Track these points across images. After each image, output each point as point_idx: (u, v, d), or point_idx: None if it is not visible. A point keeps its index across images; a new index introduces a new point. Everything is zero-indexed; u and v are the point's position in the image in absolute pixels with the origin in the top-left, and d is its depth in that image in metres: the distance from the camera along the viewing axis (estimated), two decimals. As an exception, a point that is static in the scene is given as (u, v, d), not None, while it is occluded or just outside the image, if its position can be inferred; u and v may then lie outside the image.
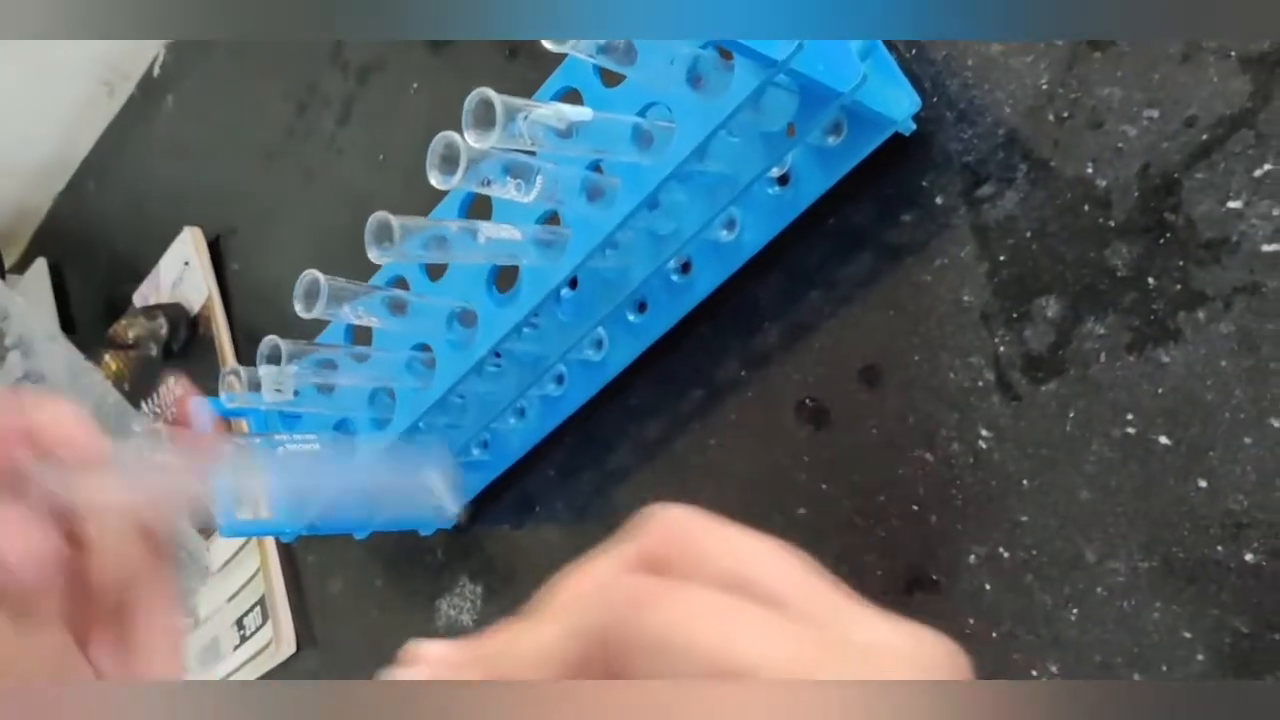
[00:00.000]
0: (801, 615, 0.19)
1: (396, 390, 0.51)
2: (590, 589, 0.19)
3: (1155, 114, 0.40)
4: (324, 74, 0.78)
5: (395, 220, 0.40)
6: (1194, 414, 0.39)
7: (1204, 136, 0.39)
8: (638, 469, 0.56)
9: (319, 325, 0.57)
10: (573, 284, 0.52)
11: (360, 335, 0.55)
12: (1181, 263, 0.40)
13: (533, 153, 0.40)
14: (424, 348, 0.51)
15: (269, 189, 0.81)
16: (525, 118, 0.37)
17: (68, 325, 0.99)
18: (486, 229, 0.43)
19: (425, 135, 0.39)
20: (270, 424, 0.54)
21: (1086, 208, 0.42)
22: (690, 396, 0.54)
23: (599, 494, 0.57)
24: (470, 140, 0.37)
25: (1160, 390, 0.40)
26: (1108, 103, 0.42)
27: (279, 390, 0.48)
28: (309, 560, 0.73)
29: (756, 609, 0.19)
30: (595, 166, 0.45)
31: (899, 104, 0.45)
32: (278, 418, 0.55)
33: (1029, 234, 0.43)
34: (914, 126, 0.46)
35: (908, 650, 0.20)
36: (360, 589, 0.69)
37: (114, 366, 0.91)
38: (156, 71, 0.96)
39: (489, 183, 0.39)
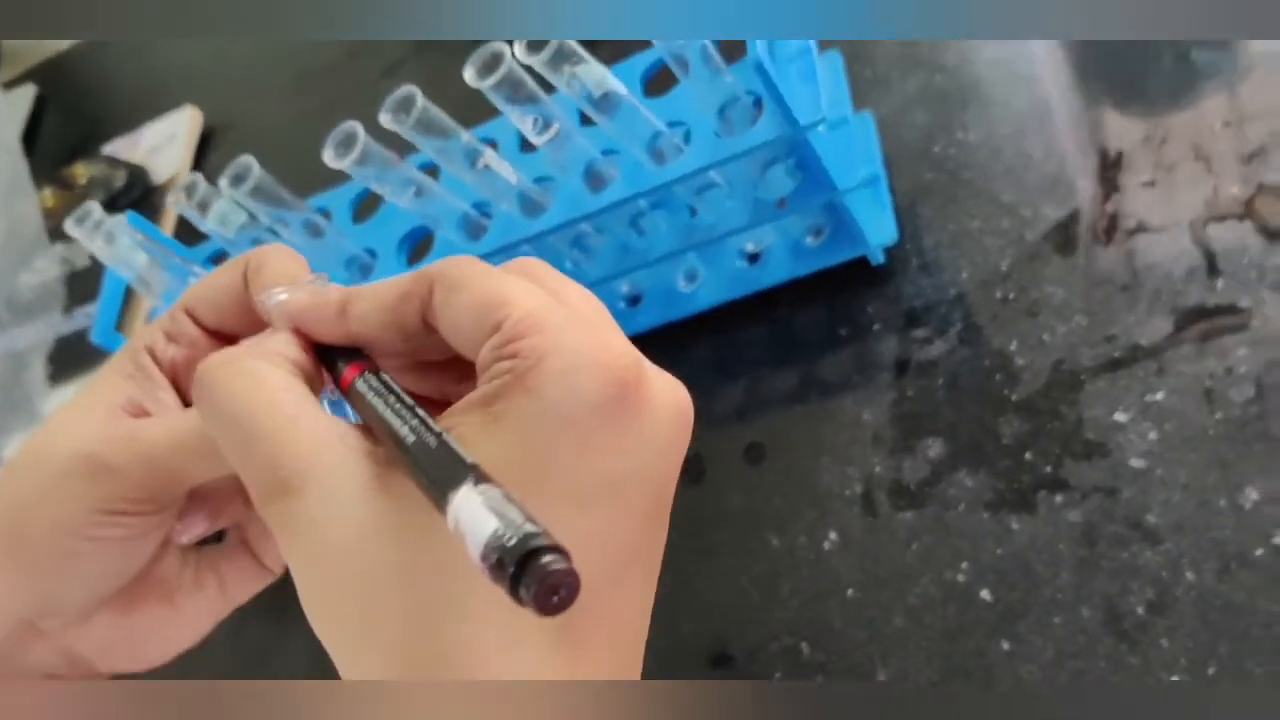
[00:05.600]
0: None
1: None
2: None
3: (1084, 322, 0.45)
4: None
5: (421, 99, 0.42)
6: (1020, 581, 0.42)
7: (1116, 354, 0.44)
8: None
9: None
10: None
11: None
12: (1059, 450, 0.43)
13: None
14: (371, 253, 0.52)
15: (286, 106, 0.83)
16: (575, 63, 0.41)
17: (27, 151, 0.98)
18: (490, 156, 0.45)
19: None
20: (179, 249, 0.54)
21: (998, 377, 0.46)
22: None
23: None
24: (518, 53, 0.40)
25: (1000, 551, 0.42)
26: (1049, 300, 0.46)
27: (223, 222, 0.49)
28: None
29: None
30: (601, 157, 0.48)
31: (878, 232, 0.50)
32: (184, 249, 0.55)
33: (941, 381, 0.47)
34: (882, 259, 0.50)
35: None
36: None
37: (50, 202, 0.90)
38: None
39: (513, 102, 0.41)
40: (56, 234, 0.87)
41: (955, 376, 0.47)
